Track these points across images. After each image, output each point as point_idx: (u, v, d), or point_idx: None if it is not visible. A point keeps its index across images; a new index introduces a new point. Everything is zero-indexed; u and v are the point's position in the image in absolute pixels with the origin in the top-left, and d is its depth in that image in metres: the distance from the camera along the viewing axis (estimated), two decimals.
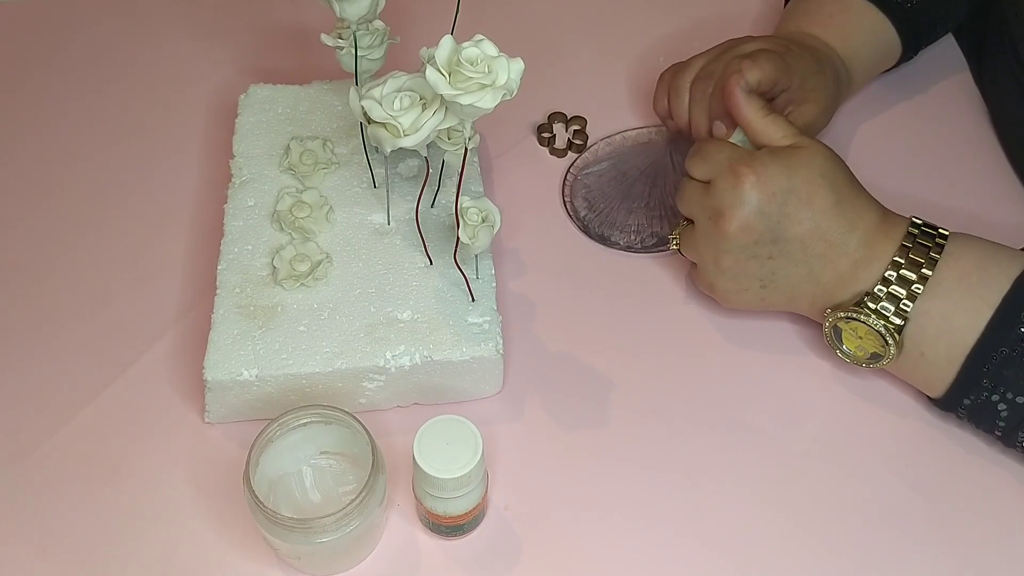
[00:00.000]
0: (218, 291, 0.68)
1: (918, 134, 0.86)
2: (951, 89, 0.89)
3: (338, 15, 0.65)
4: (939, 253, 0.63)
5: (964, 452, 0.67)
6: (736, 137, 0.69)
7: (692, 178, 0.68)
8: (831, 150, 0.67)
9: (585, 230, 0.79)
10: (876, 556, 0.63)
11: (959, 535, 0.64)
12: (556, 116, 0.86)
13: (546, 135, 0.85)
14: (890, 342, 0.63)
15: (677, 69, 0.78)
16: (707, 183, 0.67)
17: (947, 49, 0.91)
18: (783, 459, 0.67)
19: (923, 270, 0.63)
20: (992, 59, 0.86)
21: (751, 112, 0.67)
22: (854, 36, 0.80)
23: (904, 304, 0.63)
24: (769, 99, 0.72)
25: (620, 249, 0.78)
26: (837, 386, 0.70)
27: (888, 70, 0.85)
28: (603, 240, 0.78)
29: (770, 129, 0.67)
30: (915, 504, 0.65)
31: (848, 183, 0.66)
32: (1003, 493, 0.65)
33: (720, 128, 0.71)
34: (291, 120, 0.78)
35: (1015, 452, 0.66)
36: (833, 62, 0.77)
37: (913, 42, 0.83)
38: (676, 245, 0.72)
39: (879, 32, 0.81)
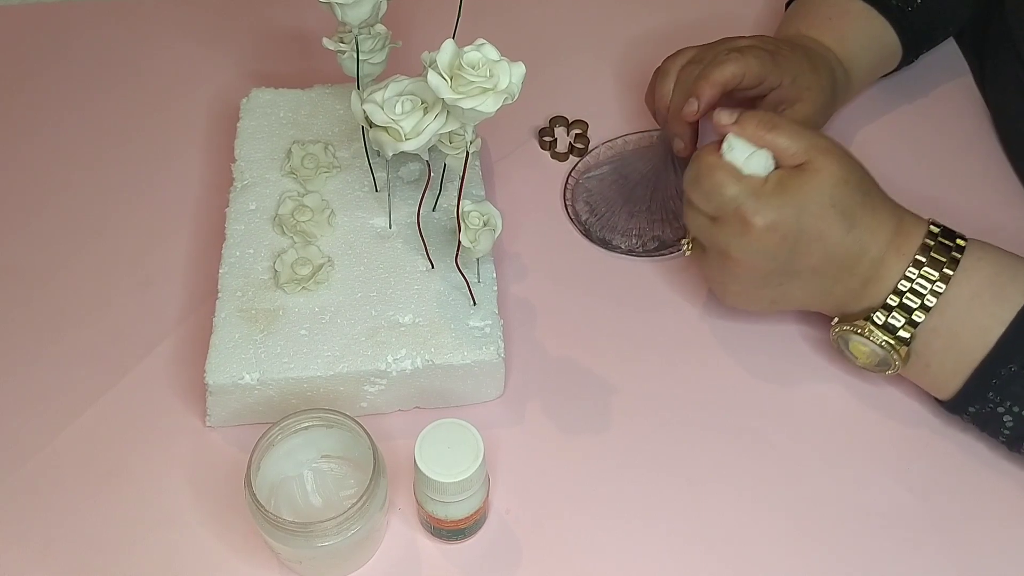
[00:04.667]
0: (219, 295, 0.68)
1: (920, 137, 0.86)
2: (953, 92, 0.89)
3: (340, 19, 0.65)
4: (953, 268, 0.62)
5: (969, 459, 0.67)
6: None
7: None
8: (846, 156, 0.63)
9: (587, 234, 0.79)
10: (878, 562, 0.63)
11: (962, 542, 0.64)
12: (557, 120, 0.86)
13: (547, 139, 0.85)
14: (895, 356, 0.63)
15: (668, 57, 0.78)
16: (712, 216, 0.64)
17: (949, 52, 0.91)
18: (785, 464, 0.67)
19: (936, 285, 0.62)
20: (994, 62, 0.86)
21: (751, 128, 0.63)
22: (853, 39, 0.80)
23: (916, 316, 0.62)
24: (758, 96, 0.72)
25: (621, 253, 0.78)
26: (841, 390, 0.70)
27: (889, 73, 0.85)
28: (604, 244, 0.78)
29: (778, 142, 0.63)
30: (919, 511, 0.65)
31: (861, 200, 0.63)
32: (1007, 500, 0.65)
33: (692, 104, 0.70)
34: (293, 124, 0.78)
35: (1019, 457, 0.66)
36: (829, 63, 0.77)
37: (914, 46, 0.83)
38: (688, 251, 0.69)
39: (879, 35, 0.81)
